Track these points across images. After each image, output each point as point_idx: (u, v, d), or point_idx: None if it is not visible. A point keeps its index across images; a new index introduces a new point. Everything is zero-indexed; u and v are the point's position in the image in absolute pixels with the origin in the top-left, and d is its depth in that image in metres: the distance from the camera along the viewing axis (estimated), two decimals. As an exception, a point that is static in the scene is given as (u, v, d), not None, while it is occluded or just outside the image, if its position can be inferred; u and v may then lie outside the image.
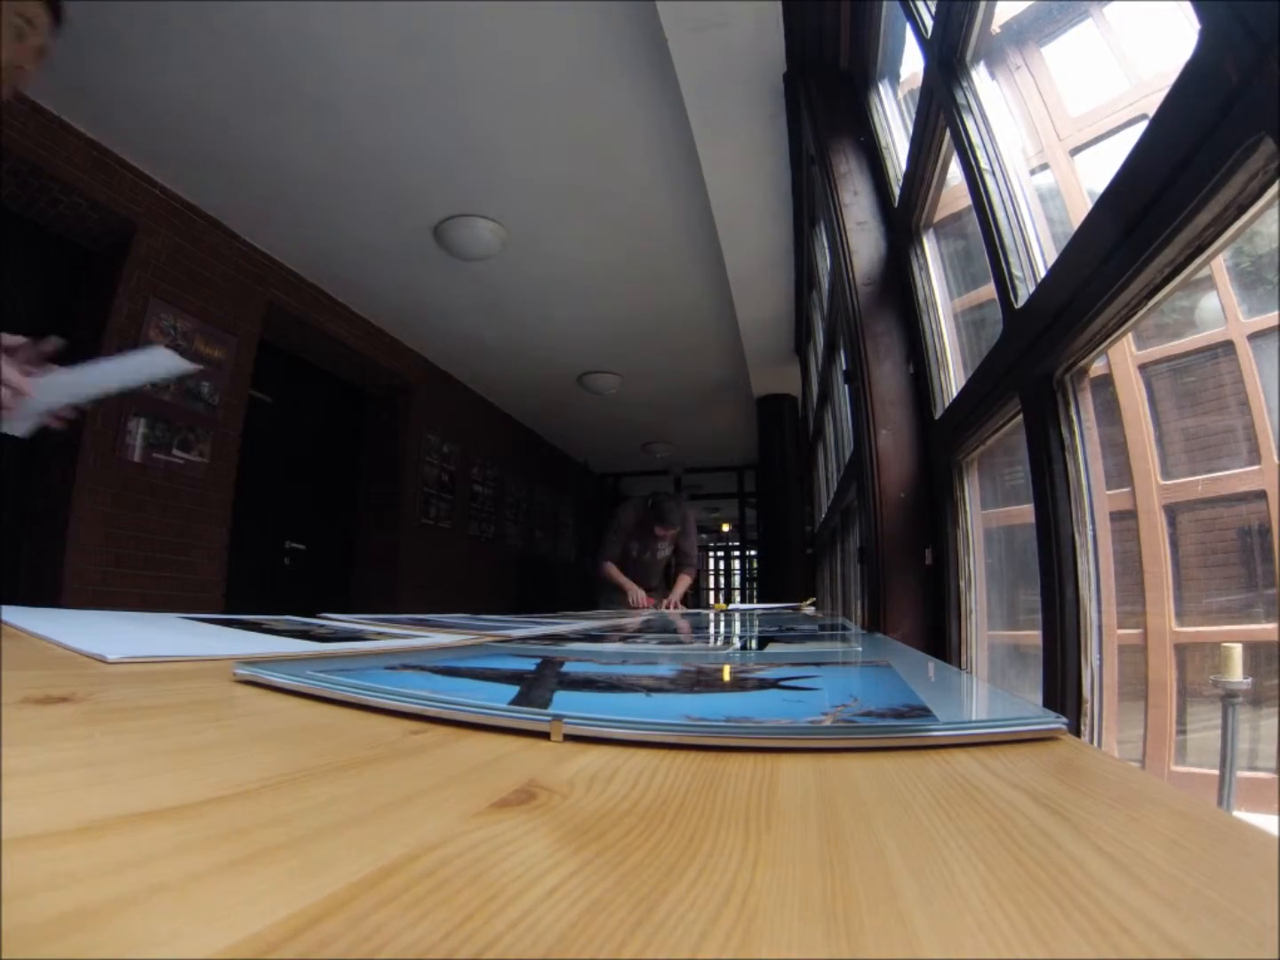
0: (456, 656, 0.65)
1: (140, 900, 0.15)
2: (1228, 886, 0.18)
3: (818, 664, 0.64)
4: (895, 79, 2.06)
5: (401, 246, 3.49)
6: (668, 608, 3.19)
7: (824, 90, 2.21)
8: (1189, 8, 0.66)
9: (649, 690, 0.46)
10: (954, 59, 1.39)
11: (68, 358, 0.85)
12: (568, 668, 0.56)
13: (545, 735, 0.34)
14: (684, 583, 3.53)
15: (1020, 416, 1.14)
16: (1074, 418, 1.02)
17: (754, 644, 0.93)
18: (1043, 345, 1.02)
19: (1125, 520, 1.13)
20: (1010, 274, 1.18)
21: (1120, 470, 1.15)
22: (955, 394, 1.54)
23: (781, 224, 3.18)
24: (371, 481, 4.78)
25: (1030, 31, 1.37)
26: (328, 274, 3.79)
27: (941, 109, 1.46)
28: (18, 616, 0.66)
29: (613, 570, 3.31)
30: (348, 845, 0.19)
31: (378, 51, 2.27)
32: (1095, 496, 1.00)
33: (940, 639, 1.56)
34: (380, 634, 0.84)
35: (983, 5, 1.32)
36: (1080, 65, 1.29)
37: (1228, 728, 0.94)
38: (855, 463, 2.01)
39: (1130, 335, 0.98)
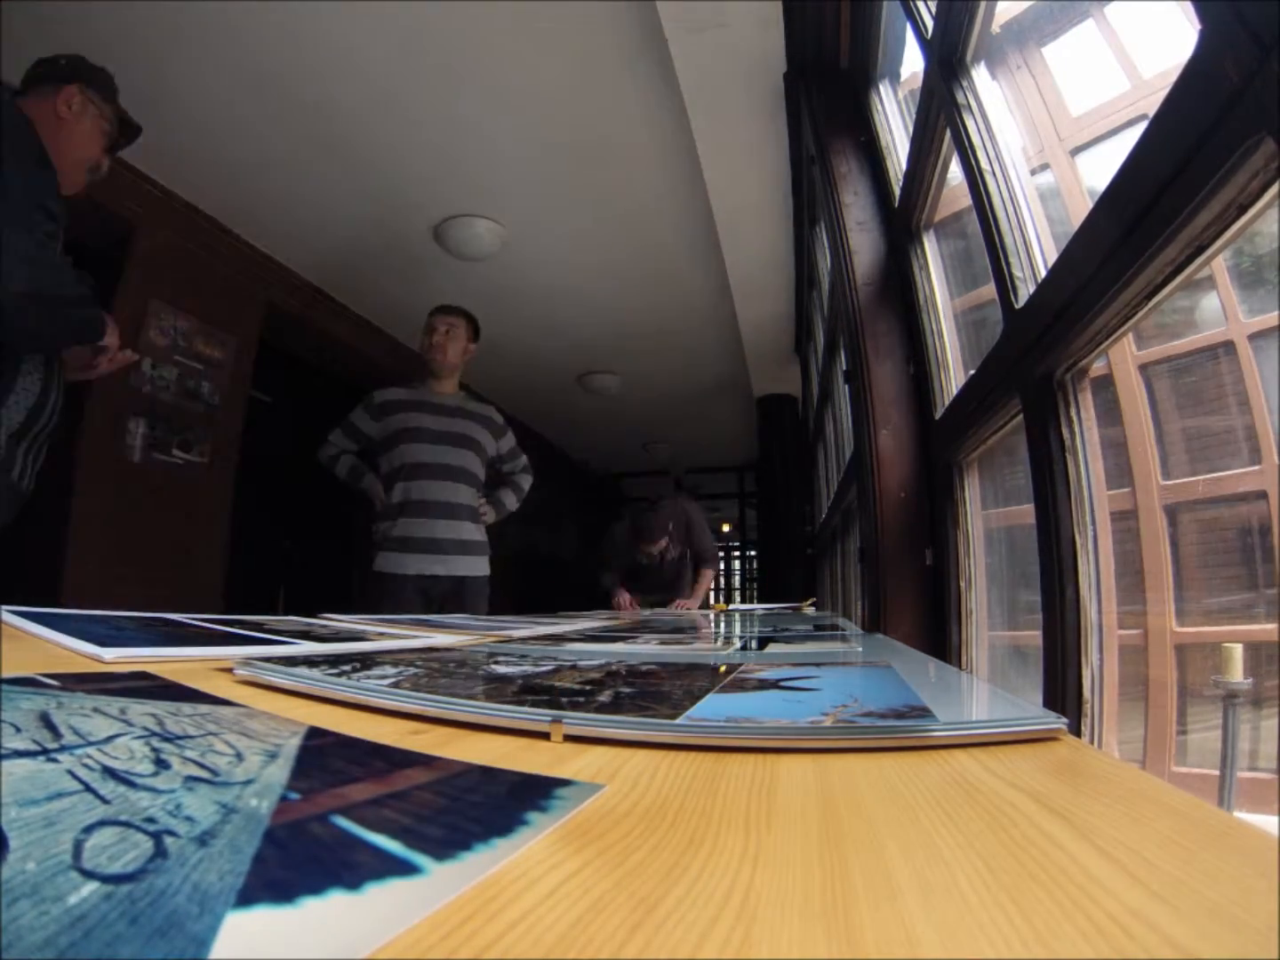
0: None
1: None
2: (1228, 886, 0.18)
3: (818, 664, 0.64)
4: (895, 79, 2.06)
5: (401, 246, 3.49)
6: (678, 608, 3.14)
7: (824, 90, 2.21)
8: (1189, 8, 0.66)
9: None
10: (954, 59, 1.39)
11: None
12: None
13: (545, 736, 0.34)
14: (705, 578, 3.42)
15: (1020, 416, 1.14)
16: (1074, 418, 1.02)
17: (754, 644, 0.93)
18: (1043, 345, 1.02)
19: (1125, 520, 1.13)
20: (1010, 274, 1.18)
21: (1120, 470, 1.15)
22: (955, 394, 1.54)
23: (781, 224, 3.17)
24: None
25: (1031, 31, 1.37)
26: (328, 274, 3.79)
27: (941, 109, 1.46)
28: (18, 617, 0.66)
29: (615, 580, 3.40)
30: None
31: (377, 51, 2.27)
32: (1095, 496, 1.00)
33: (940, 639, 1.56)
34: (381, 634, 0.84)
35: (983, 5, 1.32)
36: (1081, 65, 1.29)
37: (1228, 728, 0.93)
38: (855, 463, 2.01)
39: (1130, 335, 0.98)
